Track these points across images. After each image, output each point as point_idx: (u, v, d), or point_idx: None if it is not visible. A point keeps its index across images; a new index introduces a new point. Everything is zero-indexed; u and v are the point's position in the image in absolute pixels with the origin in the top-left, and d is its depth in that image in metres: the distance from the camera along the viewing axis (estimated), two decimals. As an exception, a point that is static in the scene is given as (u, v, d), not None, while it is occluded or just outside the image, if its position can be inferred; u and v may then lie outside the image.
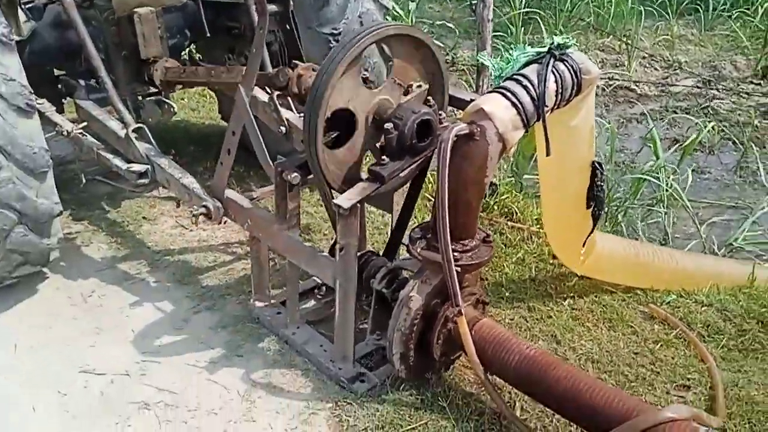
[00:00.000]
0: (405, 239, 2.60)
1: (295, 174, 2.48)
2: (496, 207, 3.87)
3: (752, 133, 5.69)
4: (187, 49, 4.20)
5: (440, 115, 2.46)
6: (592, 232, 2.74)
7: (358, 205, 2.31)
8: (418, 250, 2.33)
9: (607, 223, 4.27)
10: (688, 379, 2.57)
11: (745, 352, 2.74)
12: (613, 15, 7.83)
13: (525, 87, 2.20)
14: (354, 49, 2.22)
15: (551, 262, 3.31)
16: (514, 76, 2.24)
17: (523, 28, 7.21)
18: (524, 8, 7.50)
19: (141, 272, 3.37)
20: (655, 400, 2.47)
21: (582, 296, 3.08)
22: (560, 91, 2.26)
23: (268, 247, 2.78)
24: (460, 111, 2.66)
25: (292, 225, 2.60)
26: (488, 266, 3.35)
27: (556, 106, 2.29)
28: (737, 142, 5.61)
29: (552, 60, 2.25)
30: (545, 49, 2.29)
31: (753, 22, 7.63)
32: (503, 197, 3.90)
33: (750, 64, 7.12)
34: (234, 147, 2.84)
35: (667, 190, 4.41)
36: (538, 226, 3.61)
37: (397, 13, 7.63)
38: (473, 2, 4.12)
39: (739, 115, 6.11)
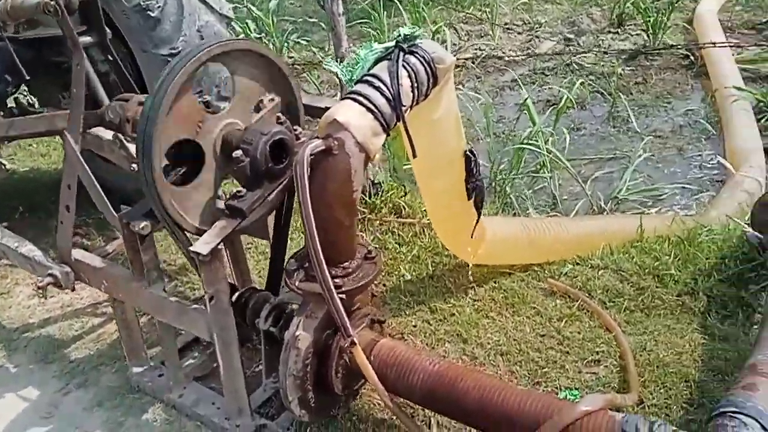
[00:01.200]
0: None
1: (144, 223, 2.19)
2: (383, 206, 3.71)
3: (618, 82, 5.84)
4: (18, 95, 3.75)
5: (296, 130, 2.25)
6: (477, 221, 2.62)
7: (221, 246, 2.06)
8: (296, 283, 2.12)
9: (495, 197, 4.23)
10: (597, 353, 2.52)
11: (647, 311, 2.73)
12: (470, -15, 7.87)
13: (378, 88, 2.02)
14: (180, 76, 1.96)
15: (446, 254, 3.19)
16: (365, 78, 2.06)
17: (385, 12, 7.09)
18: (383, -7, 7.38)
19: (-2, 356, 2.97)
20: (569, 382, 2.40)
21: (481, 285, 2.98)
22: (416, 85, 2.09)
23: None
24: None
25: (153, 279, 2.32)
26: (384, 271, 3.20)
27: (414, 103, 2.13)
28: (605, 93, 5.74)
29: (402, 54, 2.08)
30: (393, 44, 2.12)
31: (602, -29, 7.86)
32: (389, 194, 3.74)
33: (605, 14, 7.34)
34: (72, 202, 2.51)
35: (547, 155, 4.42)
36: (428, 218, 3.49)
37: (256, 14, 7.32)
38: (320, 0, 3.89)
39: (602, 66, 6.27)
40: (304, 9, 8.47)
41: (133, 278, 2.33)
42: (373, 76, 2.06)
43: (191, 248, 2.03)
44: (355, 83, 2.10)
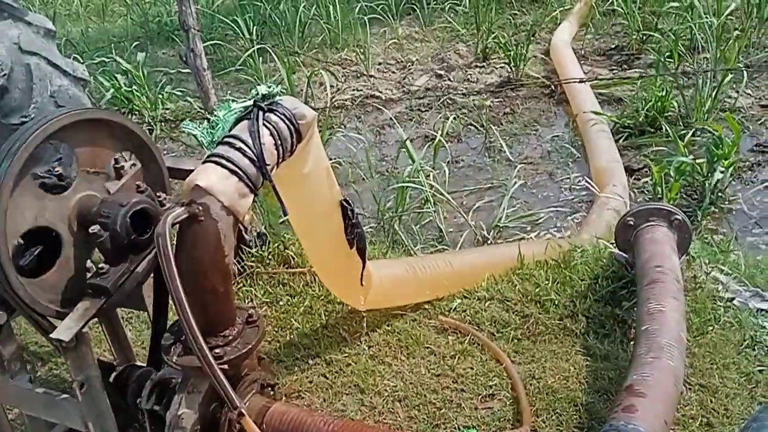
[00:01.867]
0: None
1: (0, 313, 2.01)
2: (271, 257, 3.63)
3: (488, 114, 6.12)
4: None
5: (159, 197, 2.15)
6: (363, 268, 2.61)
7: (86, 330, 1.91)
8: (174, 358, 2.00)
9: (384, 236, 4.26)
10: (491, 387, 2.56)
11: (533, 338, 2.81)
12: (342, 28, 8.01)
13: (240, 149, 1.98)
14: (13, 167, 1.82)
15: (339, 302, 3.15)
16: (226, 140, 2.01)
17: (261, 58, 7.07)
18: (257, 42, 7.37)
19: None
20: (467, 420, 2.42)
21: (375, 329, 2.97)
22: (279, 143, 2.07)
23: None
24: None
25: (16, 371, 2.12)
26: (277, 326, 3.12)
27: (281, 160, 2.10)
28: (478, 126, 5.99)
29: (261, 113, 2.05)
30: (251, 103, 2.09)
31: (464, 10, 8.27)
32: (275, 245, 3.67)
33: (470, 49, 7.71)
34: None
35: (429, 190, 4.53)
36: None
37: (125, 67, 7.07)
38: (182, 55, 3.79)
39: (473, 100, 6.55)
40: (177, 59, 8.29)
41: (-9, 371, 2.12)
42: (234, 137, 2.01)
43: (52, 335, 1.87)
44: (216, 145, 2.04)
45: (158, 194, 2.15)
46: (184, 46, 3.57)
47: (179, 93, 7.05)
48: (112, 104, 6.69)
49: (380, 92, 7.11)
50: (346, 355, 2.83)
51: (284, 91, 2.10)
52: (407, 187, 4.53)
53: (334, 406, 2.55)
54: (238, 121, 2.09)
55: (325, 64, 7.55)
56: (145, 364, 2.40)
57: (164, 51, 8.59)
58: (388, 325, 2.98)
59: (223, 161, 1.95)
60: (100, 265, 1.95)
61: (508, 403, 2.47)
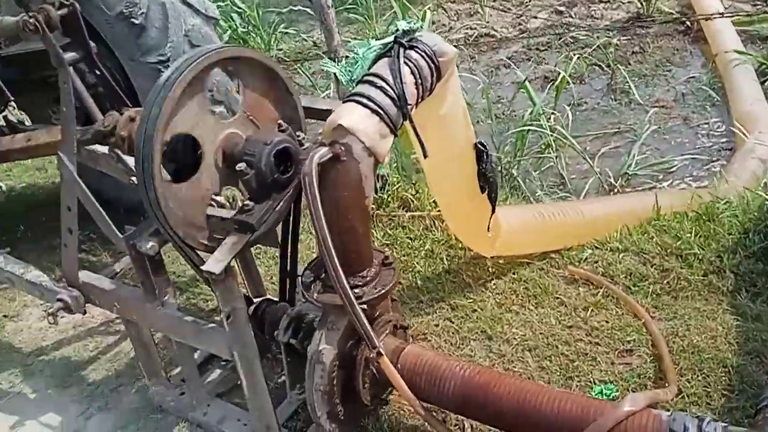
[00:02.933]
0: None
1: (152, 243, 2.10)
2: (391, 200, 3.61)
3: (615, 53, 5.72)
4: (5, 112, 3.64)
5: (298, 137, 2.15)
6: (492, 214, 2.52)
7: (233, 263, 1.97)
8: (315, 296, 2.03)
9: (503, 181, 4.13)
10: (629, 342, 2.44)
11: (674, 294, 2.64)
12: (455, -36, 7.69)
13: (381, 88, 1.92)
14: (195, 66, 1.89)
15: (461, 247, 3.10)
16: (366, 78, 1.95)
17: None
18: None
19: (13, 384, 2.89)
20: (603, 375, 2.32)
21: (500, 276, 2.90)
22: (420, 82, 1.99)
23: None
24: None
25: (166, 299, 2.23)
26: (398, 268, 3.12)
27: (420, 100, 2.02)
28: (603, 66, 5.62)
29: (402, 50, 1.97)
30: (391, 40, 2.01)
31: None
32: (396, 188, 3.64)
33: (596, -17, 7.19)
34: (74, 224, 2.42)
35: (551, 134, 4.33)
36: (438, 209, 3.39)
37: (240, 7, 7.16)
38: None
39: (597, 38, 6.14)
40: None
41: (145, 299, 2.24)
42: (375, 75, 1.95)
43: (203, 267, 1.93)
44: (356, 84, 1.99)
45: (297, 134, 2.14)
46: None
47: (292, 32, 7.08)
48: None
49: (495, 30, 6.82)
50: (471, 300, 2.78)
51: (424, 27, 2.00)
52: (527, 130, 4.34)
53: (461, 351, 2.53)
54: (377, 58, 2.02)
55: (437, 1, 7.31)
56: (277, 299, 2.46)
57: (276, -8, 8.62)
58: (513, 273, 2.90)
59: (365, 100, 1.90)
60: (245, 202, 1.98)
61: (648, 360, 2.34)
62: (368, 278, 2.03)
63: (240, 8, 7.12)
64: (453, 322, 2.68)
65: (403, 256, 3.19)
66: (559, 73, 5.06)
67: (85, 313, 2.50)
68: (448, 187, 2.47)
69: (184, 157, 2.10)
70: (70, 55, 2.39)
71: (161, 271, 2.20)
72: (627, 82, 5.26)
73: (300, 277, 2.12)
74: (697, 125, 4.72)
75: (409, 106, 1.92)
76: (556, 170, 4.38)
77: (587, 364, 2.37)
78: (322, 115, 2.33)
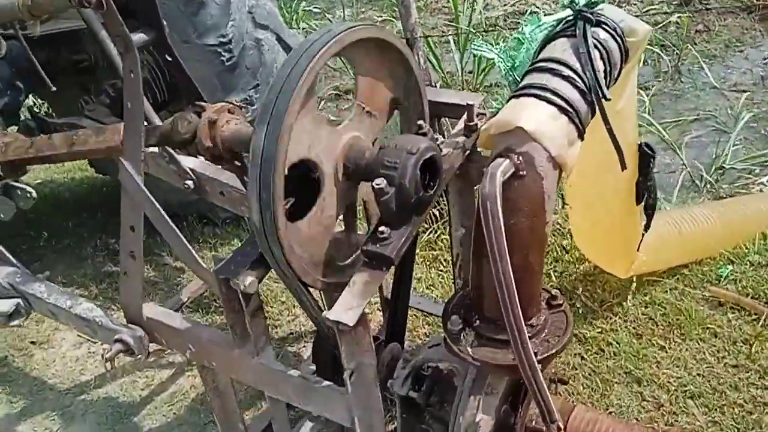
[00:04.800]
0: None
1: (251, 279, 1.63)
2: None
3: (678, 31, 5.24)
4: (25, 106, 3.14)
5: (436, 140, 1.68)
6: (647, 229, 2.07)
7: (367, 309, 1.51)
8: (470, 350, 1.57)
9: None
10: (818, 387, 2.01)
11: None
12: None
13: (567, 78, 1.45)
14: (311, 69, 1.39)
15: (569, 258, 2.65)
16: (543, 65, 1.48)
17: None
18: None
19: (51, 430, 2.43)
20: (794, 431, 1.90)
21: (627, 300, 2.45)
22: (609, 69, 1.52)
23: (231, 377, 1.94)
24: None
25: (262, 346, 1.77)
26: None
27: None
28: (664, 45, 5.13)
29: (587, 27, 1.50)
30: (569, 14, 1.54)
31: None
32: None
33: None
34: (139, 248, 1.94)
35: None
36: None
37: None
38: None
39: (654, 14, 5.65)
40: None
41: (234, 344, 1.78)
42: (556, 61, 1.48)
43: (329, 316, 1.47)
44: (525, 73, 1.52)
45: (435, 137, 1.67)
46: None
47: (315, 10, 6.55)
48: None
49: (537, 7, 6.32)
50: (601, 330, 2.34)
51: (602, -3, 1.51)
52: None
53: (607, 398, 2.09)
54: (549, 39, 1.55)
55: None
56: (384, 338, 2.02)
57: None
58: (644, 295, 2.45)
59: (549, 95, 1.43)
60: (380, 229, 1.52)
61: None
62: (538, 327, 1.57)
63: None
64: (586, 359, 2.24)
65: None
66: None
67: (148, 356, 2.04)
68: (594, 199, 2.01)
69: (297, 186, 1.63)
70: (138, 37, 1.90)
71: (258, 312, 1.74)
72: (698, 61, 4.79)
73: (444, 322, 1.66)
74: (788, 111, 4.26)
75: (606, 98, 1.45)
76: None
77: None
78: (455, 112, 1.87)
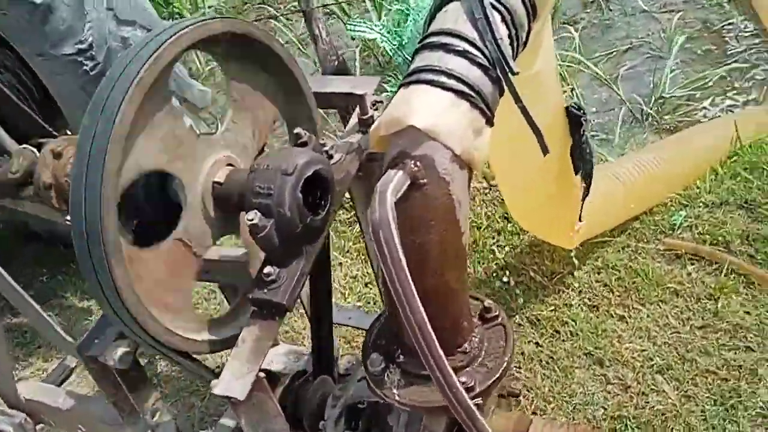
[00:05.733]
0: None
1: (121, 352, 1.34)
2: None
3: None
4: None
5: (323, 145, 1.39)
6: (585, 197, 1.84)
7: (260, 374, 1.23)
8: (396, 393, 1.32)
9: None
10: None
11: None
12: None
13: (464, 53, 1.16)
14: (159, 57, 1.11)
15: (511, 231, 2.43)
16: (434, 41, 1.19)
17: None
18: None
19: None
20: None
21: (579, 267, 2.24)
22: (515, 32, 1.24)
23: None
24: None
25: (157, 422, 1.49)
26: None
27: (514, 59, 1.28)
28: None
29: (480, -15, 1.21)
30: (456, -29, 1.25)
31: None
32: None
33: None
34: (-1, 326, 1.65)
35: (561, 62, 3.64)
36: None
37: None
38: None
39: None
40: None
41: (125, 423, 1.50)
42: (448, 33, 1.19)
43: (215, 391, 1.20)
44: (415, 52, 1.23)
45: (320, 142, 1.39)
46: None
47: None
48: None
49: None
50: (554, 308, 2.13)
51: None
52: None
53: (569, 388, 1.89)
54: (438, 6, 1.26)
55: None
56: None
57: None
58: (595, 260, 2.24)
59: (444, 78, 1.15)
60: (265, 271, 1.24)
61: (832, 365, 1.76)
62: (472, 353, 1.32)
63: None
64: (541, 345, 2.03)
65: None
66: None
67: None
68: (525, 171, 1.76)
69: (151, 206, 1.34)
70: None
71: (143, 385, 1.45)
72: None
73: (364, 361, 1.40)
74: (721, 27, 4.06)
75: (513, 72, 1.18)
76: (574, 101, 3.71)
77: (748, 383, 1.76)
78: (341, 102, 1.58)
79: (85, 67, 2.21)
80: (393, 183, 1.07)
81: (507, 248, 2.39)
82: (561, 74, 3.69)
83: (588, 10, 4.61)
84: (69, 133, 2.38)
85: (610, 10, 4.56)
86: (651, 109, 3.49)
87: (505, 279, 2.26)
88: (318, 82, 1.60)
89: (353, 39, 3.09)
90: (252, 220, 1.18)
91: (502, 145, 1.67)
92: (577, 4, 4.70)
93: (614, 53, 4.11)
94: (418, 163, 1.13)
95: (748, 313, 1.92)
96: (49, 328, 1.51)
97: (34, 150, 1.53)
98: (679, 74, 3.73)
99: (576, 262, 2.23)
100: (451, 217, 1.17)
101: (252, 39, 1.32)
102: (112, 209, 1.09)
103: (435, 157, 1.13)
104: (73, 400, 1.63)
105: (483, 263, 2.38)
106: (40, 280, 2.84)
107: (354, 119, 1.50)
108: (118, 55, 2.29)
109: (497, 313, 1.38)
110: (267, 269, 1.24)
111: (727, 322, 1.92)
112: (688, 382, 1.81)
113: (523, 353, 2.02)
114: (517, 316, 2.14)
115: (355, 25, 1.29)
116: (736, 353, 1.84)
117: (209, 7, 5.92)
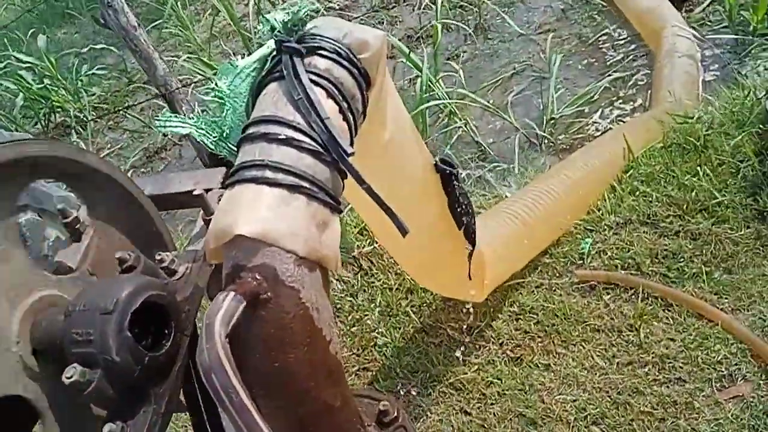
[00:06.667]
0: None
1: None
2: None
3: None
4: None
5: (161, 261, 1.20)
6: (472, 251, 1.71)
7: None
8: None
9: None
10: (720, 362, 1.74)
11: (726, 265, 1.96)
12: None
13: (288, 141, 1.01)
14: None
15: (423, 289, 2.28)
16: (254, 132, 1.03)
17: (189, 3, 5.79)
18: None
19: None
20: (713, 427, 1.61)
21: (494, 317, 2.11)
22: (347, 106, 1.10)
23: None
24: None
25: None
26: (354, 345, 2.26)
27: (353, 134, 1.14)
28: (462, 5, 4.91)
29: (299, 60, 1.07)
30: (272, 48, 1.11)
31: None
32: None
33: None
34: None
35: (449, 100, 3.61)
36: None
37: (27, 61, 5.76)
38: (99, 18, 2.58)
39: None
40: (83, 34, 6.95)
41: None
42: (269, 120, 1.04)
43: None
44: (237, 147, 1.07)
45: (158, 255, 1.19)
46: (99, 6, 2.44)
47: (101, 72, 5.82)
48: (27, 108, 5.52)
49: (330, 1, 5.95)
50: (476, 367, 1.98)
51: (312, 9, 1.09)
52: (425, 107, 3.56)
53: (504, 457, 1.72)
54: (258, 89, 1.11)
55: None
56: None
57: (64, 31, 7.18)
58: (510, 305, 2.12)
59: (270, 173, 0.99)
60: (106, 430, 1.02)
61: (762, 383, 1.66)
62: (373, 470, 1.15)
63: (27, 62, 5.75)
64: (469, 412, 1.87)
65: (354, 325, 2.32)
66: (422, 27, 4.34)
67: None
68: (411, 237, 1.62)
69: None
70: None
71: None
72: (497, 13, 4.60)
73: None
74: (596, 39, 4.14)
75: (347, 151, 1.03)
76: (468, 139, 3.66)
77: (686, 419, 1.65)
78: (187, 202, 1.39)
79: None
80: (222, 311, 0.89)
81: (422, 307, 2.24)
82: (452, 110, 3.67)
83: (468, 43, 4.64)
84: None
85: (489, 39, 4.61)
86: (544, 131, 3.48)
87: (422, 337, 2.10)
88: (159, 183, 1.41)
89: (164, 136, 2.87)
90: (71, 377, 0.97)
91: (380, 220, 1.53)
92: (458, 38, 4.73)
93: (500, 80, 4.12)
94: (257, 276, 0.96)
95: (672, 339, 1.82)
96: None
97: None
98: (565, 92, 3.75)
99: (493, 311, 2.09)
100: (311, 329, 1.00)
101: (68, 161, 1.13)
102: None
103: (276, 266, 0.96)
104: None
105: (399, 329, 2.21)
106: None
107: (200, 221, 1.32)
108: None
109: (395, 414, 1.21)
110: (108, 428, 1.02)
111: (652, 353, 1.81)
112: (625, 428, 1.68)
113: (453, 426, 1.85)
114: (440, 385, 1.97)
115: (165, 120, 1.12)
116: (668, 387, 1.72)
117: (91, 95, 5.67)
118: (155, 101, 4.55)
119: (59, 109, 5.55)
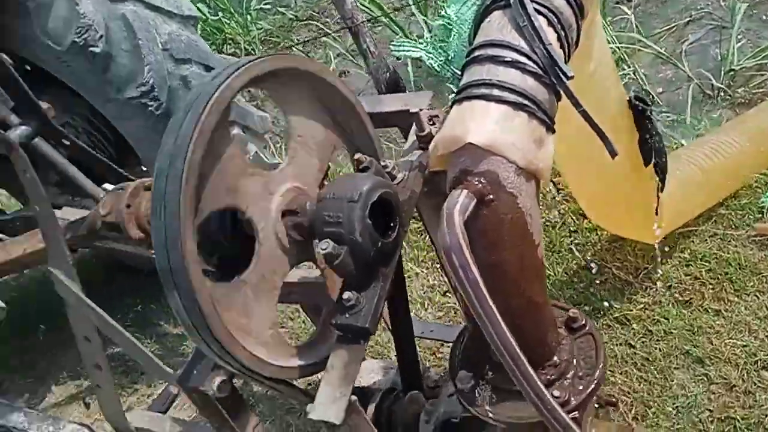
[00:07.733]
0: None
1: (219, 381, 1.37)
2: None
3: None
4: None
5: (385, 167, 1.39)
6: (662, 190, 1.75)
7: (354, 397, 1.24)
8: (489, 410, 1.30)
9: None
10: None
11: None
12: None
13: (513, 63, 1.14)
14: (218, 98, 1.14)
15: (587, 228, 2.34)
16: (482, 54, 1.16)
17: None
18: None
19: None
20: None
21: (664, 261, 2.13)
22: (564, 34, 1.21)
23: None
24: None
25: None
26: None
27: (567, 61, 1.24)
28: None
29: (526, -9, 1.18)
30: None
31: None
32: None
33: None
34: (102, 357, 1.74)
35: (618, 44, 3.51)
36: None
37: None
38: None
39: None
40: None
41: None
42: (494, 44, 1.17)
43: (312, 416, 1.22)
44: (464, 67, 1.21)
45: (383, 164, 1.38)
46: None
47: (267, 6, 6.18)
48: (204, 39, 5.99)
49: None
50: (643, 306, 2.03)
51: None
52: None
53: (669, 390, 1.80)
54: (482, 17, 1.24)
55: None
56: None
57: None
58: (681, 251, 2.13)
59: (497, 91, 1.12)
60: (345, 296, 1.24)
61: None
62: (563, 366, 1.29)
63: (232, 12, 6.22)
64: (634, 347, 1.94)
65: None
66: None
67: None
68: (595, 172, 1.70)
69: (227, 240, 1.37)
70: (19, 131, 1.65)
71: (241, 410, 1.48)
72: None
73: (453, 378, 1.38)
74: (788, -11, 3.81)
75: (567, 77, 1.14)
76: (636, 87, 3.56)
77: None
78: (397, 120, 1.57)
79: (150, 108, 2.30)
80: (459, 203, 1.05)
81: (587, 246, 2.31)
82: (621, 56, 3.57)
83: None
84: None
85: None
86: (721, 83, 3.31)
87: (587, 279, 2.19)
88: (371, 103, 1.60)
89: (398, 59, 3.02)
90: (326, 249, 1.19)
91: (569, 149, 1.62)
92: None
93: (674, 28, 3.92)
94: (482, 180, 1.11)
95: None
96: (148, 361, 1.57)
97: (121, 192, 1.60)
98: (747, 43, 3.52)
99: (661, 256, 2.13)
100: (524, 232, 1.14)
101: (302, 72, 1.33)
102: (192, 249, 1.12)
103: (499, 172, 1.11)
104: (179, 426, 1.69)
105: (562, 264, 2.31)
106: (135, 310, 2.96)
107: (412, 136, 1.49)
108: (179, 93, 2.39)
109: (584, 322, 1.34)
110: (346, 294, 1.25)
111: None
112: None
113: (615, 356, 1.94)
114: (604, 318, 2.06)
115: (399, 45, 1.26)
116: None
117: (259, 29, 6.04)
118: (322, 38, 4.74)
119: (230, 41, 5.95)
